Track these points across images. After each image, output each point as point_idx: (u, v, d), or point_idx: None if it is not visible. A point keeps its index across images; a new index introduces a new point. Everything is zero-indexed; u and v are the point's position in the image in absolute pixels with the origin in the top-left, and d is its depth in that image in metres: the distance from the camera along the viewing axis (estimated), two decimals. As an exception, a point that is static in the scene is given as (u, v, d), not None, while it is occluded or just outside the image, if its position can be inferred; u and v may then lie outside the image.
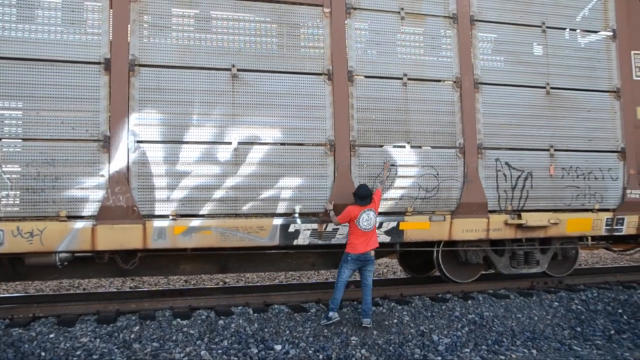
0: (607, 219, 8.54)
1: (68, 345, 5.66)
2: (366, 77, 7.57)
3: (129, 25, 6.72)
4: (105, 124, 6.55)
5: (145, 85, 6.72)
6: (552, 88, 8.40)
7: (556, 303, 7.83)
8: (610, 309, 7.76)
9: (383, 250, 8.15)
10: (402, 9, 7.77)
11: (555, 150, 8.34)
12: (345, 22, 7.53)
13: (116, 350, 5.58)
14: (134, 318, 6.54)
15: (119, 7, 6.69)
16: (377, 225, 7.29)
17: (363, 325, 6.54)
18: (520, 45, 8.36)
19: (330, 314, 6.62)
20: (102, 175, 6.50)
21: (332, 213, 6.90)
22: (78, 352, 5.50)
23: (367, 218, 6.58)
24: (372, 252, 6.69)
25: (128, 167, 6.59)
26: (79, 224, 6.39)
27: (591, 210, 8.48)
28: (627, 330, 6.99)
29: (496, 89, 8.15)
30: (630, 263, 12.66)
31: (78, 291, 9.37)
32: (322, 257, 8.25)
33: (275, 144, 7.13)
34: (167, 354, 5.51)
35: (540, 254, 8.58)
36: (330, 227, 7.21)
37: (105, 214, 6.45)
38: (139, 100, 6.68)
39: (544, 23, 8.49)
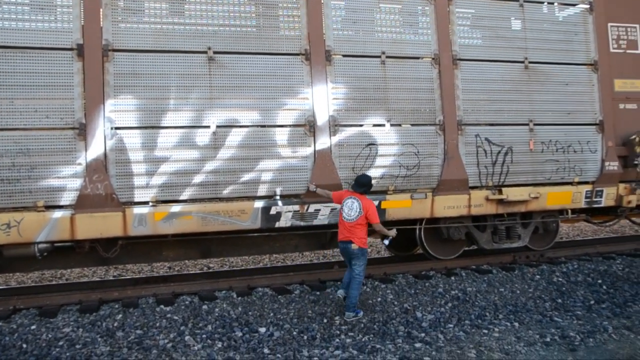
0: (587, 191, 8.63)
1: (50, 336, 5.62)
2: (344, 56, 7.50)
3: (101, 10, 6.57)
4: (81, 111, 6.43)
5: (120, 71, 6.60)
6: (530, 62, 8.41)
7: (538, 276, 7.93)
8: (590, 280, 7.88)
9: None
10: (379, -14, 7.69)
11: (535, 124, 8.37)
12: (322, 1, 7.43)
13: (99, 339, 5.54)
14: (116, 306, 6.52)
15: (89, -10, 6.53)
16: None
17: (344, 318, 6.24)
18: (498, 20, 8.33)
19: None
20: (79, 164, 6.40)
21: (319, 190, 6.97)
22: (60, 343, 5.45)
23: (350, 205, 6.29)
24: (354, 246, 6.24)
25: (105, 155, 6.49)
26: (58, 214, 6.31)
27: (571, 183, 8.57)
28: (606, 299, 7.10)
29: (475, 65, 8.14)
30: (610, 234, 12.88)
31: (60, 282, 9.28)
32: (304, 239, 8.21)
33: (254, 126, 7.06)
34: (151, 341, 5.48)
35: (522, 229, 8.66)
36: (312, 208, 7.20)
37: (84, 203, 6.37)
38: (114, 86, 6.56)
39: (521, -3, 8.47)
